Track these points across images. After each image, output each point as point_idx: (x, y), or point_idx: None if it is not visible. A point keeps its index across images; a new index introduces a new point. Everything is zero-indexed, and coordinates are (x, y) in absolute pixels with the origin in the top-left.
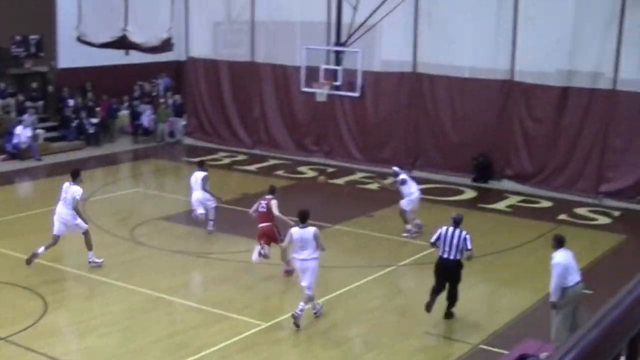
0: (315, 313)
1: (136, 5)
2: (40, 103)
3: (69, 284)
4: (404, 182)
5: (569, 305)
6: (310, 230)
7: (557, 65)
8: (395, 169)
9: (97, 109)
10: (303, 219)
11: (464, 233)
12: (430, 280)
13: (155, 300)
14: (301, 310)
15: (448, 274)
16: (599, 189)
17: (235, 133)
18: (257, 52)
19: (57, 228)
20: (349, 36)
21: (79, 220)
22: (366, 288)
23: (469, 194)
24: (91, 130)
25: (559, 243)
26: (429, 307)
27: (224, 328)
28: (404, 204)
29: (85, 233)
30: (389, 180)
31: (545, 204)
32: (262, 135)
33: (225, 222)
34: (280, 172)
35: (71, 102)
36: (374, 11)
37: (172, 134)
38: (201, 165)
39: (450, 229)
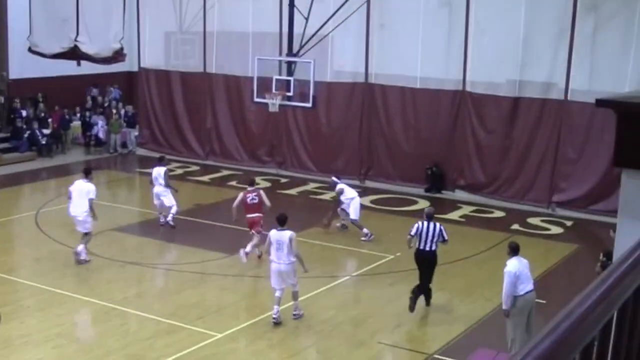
0: (295, 313)
1: (87, 15)
2: None
3: (21, 295)
4: (341, 191)
5: (521, 313)
6: (287, 233)
7: (508, 75)
8: (334, 179)
9: (49, 119)
10: (281, 223)
11: (438, 225)
12: (384, 291)
13: (109, 312)
14: (297, 308)
15: (426, 264)
16: (551, 198)
17: (188, 144)
18: (210, 63)
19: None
20: (301, 46)
21: (89, 219)
22: (320, 298)
23: (422, 204)
24: (43, 142)
25: (513, 250)
26: (412, 305)
27: (178, 339)
28: (352, 214)
29: (88, 234)
30: (329, 216)
31: (498, 213)
32: (215, 145)
33: (179, 233)
34: (233, 183)
35: (24, 112)
36: (326, 22)
37: (124, 144)
38: (161, 160)
39: (426, 223)
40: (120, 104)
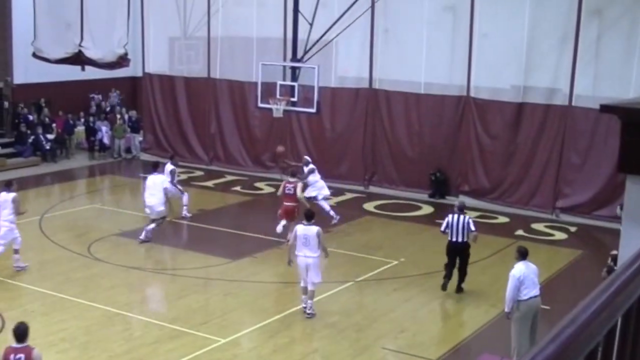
0: (308, 312)
1: (92, 21)
2: None
3: (25, 300)
4: (313, 170)
5: (525, 319)
6: (314, 228)
7: (512, 81)
8: (307, 157)
9: (54, 125)
10: (309, 218)
11: (467, 218)
12: (388, 296)
13: (113, 316)
14: (310, 308)
15: (458, 255)
16: (555, 204)
17: (192, 149)
18: (214, 68)
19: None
20: (305, 52)
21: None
22: (324, 304)
23: (426, 209)
24: (47, 147)
25: (521, 255)
26: (444, 286)
27: (182, 344)
28: (310, 191)
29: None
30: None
31: (502, 219)
32: (219, 151)
33: (183, 238)
34: (237, 188)
35: (31, 117)
36: (330, 27)
37: (128, 150)
38: (172, 159)
39: (456, 216)
40: (124, 109)
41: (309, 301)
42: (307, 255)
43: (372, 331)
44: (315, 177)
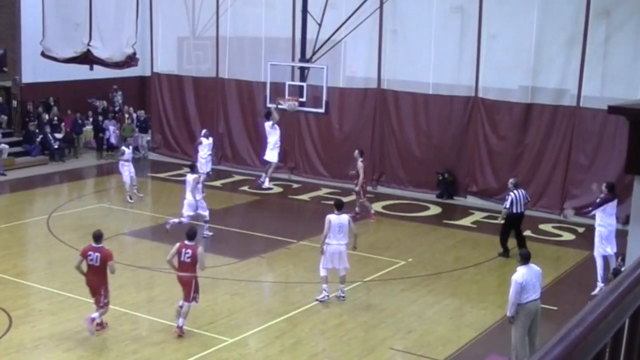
0: (342, 296)
1: (100, 20)
2: (4, 118)
3: (33, 299)
4: (276, 129)
5: (524, 321)
6: (346, 216)
7: (520, 81)
8: (271, 106)
9: (62, 124)
10: (339, 207)
11: (523, 191)
12: (395, 296)
13: (121, 316)
14: (343, 292)
15: (518, 224)
16: (563, 205)
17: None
18: (222, 68)
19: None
20: (314, 52)
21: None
22: (331, 304)
23: (434, 210)
24: (56, 146)
25: (524, 259)
26: (506, 252)
27: (189, 344)
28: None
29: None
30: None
31: None
32: (227, 151)
33: None
34: (245, 188)
35: (47, 116)
36: (339, 28)
37: (136, 149)
38: (192, 168)
39: (517, 191)
40: (132, 109)
41: (342, 285)
42: (340, 243)
43: (379, 331)
44: (276, 138)
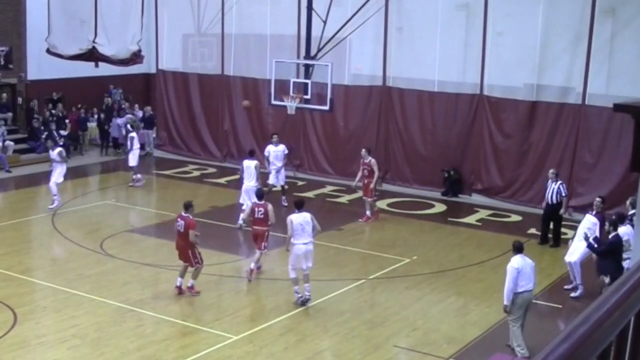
0: (308, 295)
1: (106, 17)
2: (10, 115)
3: (38, 296)
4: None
5: (520, 310)
6: (307, 215)
7: (526, 79)
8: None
9: (67, 121)
10: (299, 206)
11: (558, 183)
12: (400, 294)
13: (125, 313)
14: (308, 291)
15: (551, 215)
16: (568, 203)
17: (205, 146)
18: (227, 65)
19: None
20: (319, 49)
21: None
22: (336, 301)
23: (439, 207)
24: (61, 143)
25: (517, 249)
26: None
27: (194, 341)
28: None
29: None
30: None
31: (515, 218)
32: (232, 148)
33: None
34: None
35: (52, 111)
36: (344, 25)
37: (142, 146)
38: (252, 154)
39: (552, 182)
40: (137, 105)
41: (307, 284)
42: (305, 242)
43: (383, 329)
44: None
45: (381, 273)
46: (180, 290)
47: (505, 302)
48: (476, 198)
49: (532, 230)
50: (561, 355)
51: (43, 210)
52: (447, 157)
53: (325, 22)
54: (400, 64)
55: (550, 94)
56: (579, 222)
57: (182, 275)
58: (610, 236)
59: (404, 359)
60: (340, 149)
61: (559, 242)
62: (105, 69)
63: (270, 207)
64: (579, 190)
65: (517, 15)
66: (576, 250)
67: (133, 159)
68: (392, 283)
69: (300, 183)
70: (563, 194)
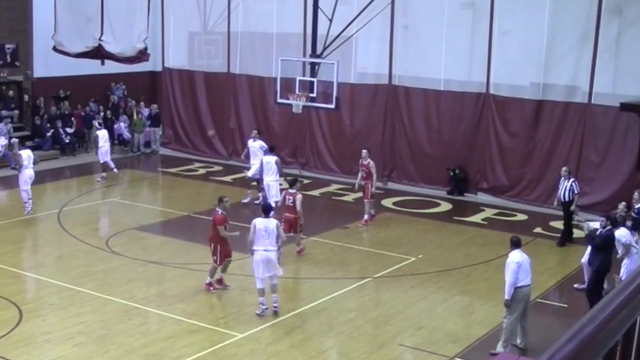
0: (275, 306)
1: (112, 15)
2: (16, 112)
3: (44, 293)
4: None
5: (519, 305)
6: (274, 221)
7: (532, 78)
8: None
9: (73, 118)
10: (266, 211)
11: (570, 182)
12: (405, 293)
13: (130, 310)
14: (276, 302)
15: (563, 211)
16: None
17: (211, 144)
18: (233, 63)
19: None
20: (325, 48)
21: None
22: (341, 300)
23: (445, 206)
24: (67, 140)
25: (514, 244)
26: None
27: (199, 339)
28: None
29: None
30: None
31: (521, 217)
32: (238, 146)
33: (201, 233)
34: (255, 183)
35: (59, 108)
36: (350, 23)
37: (148, 144)
38: (272, 150)
39: (564, 180)
40: (142, 103)
41: (274, 295)
42: (267, 249)
43: (389, 328)
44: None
45: (386, 272)
46: (219, 282)
47: (506, 297)
48: (482, 197)
49: (538, 229)
50: (567, 354)
51: (49, 207)
52: (452, 155)
53: (331, 21)
54: (406, 63)
55: (556, 93)
56: (584, 220)
57: (223, 271)
58: (605, 230)
59: (409, 357)
60: (346, 148)
61: (565, 242)
62: (111, 67)
63: (299, 196)
64: (584, 190)
65: (523, 14)
66: None
67: (101, 156)
68: (398, 282)
69: (306, 181)
70: (575, 192)
